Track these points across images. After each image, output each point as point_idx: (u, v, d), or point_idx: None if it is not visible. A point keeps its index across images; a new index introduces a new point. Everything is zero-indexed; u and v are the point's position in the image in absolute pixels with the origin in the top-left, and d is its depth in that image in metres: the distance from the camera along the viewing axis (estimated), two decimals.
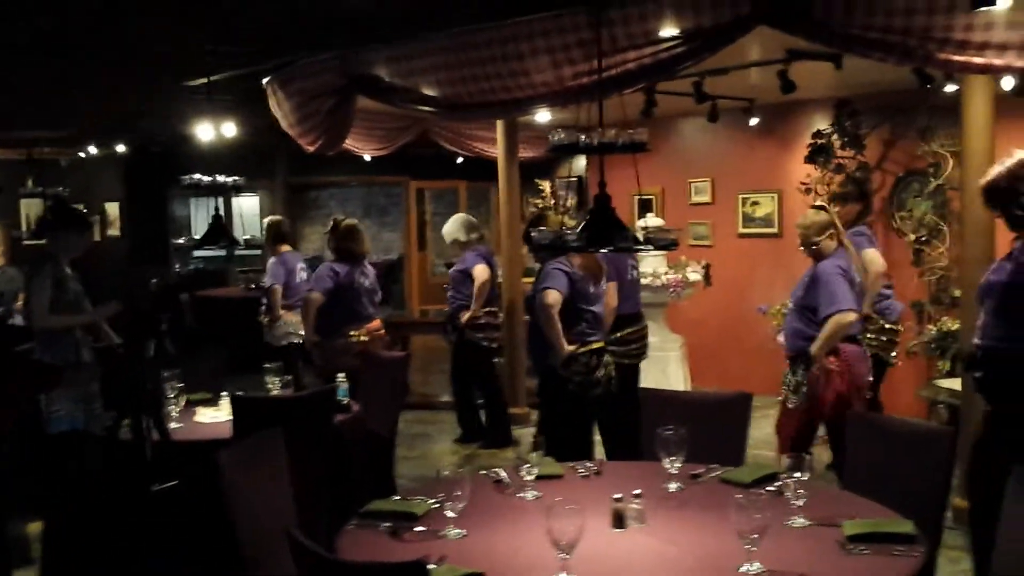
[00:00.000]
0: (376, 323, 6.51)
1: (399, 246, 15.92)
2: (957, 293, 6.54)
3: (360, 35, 6.16)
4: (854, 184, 6.24)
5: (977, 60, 4.17)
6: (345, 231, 6.46)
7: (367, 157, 9.20)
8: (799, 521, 2.87)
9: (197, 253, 14.54)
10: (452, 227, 7.45)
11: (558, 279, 5.04)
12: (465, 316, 7.15)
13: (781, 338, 5.28)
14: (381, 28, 6.09)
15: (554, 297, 5.00)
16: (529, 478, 3.29)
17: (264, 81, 6.88)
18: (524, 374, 7.88)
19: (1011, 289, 3.59)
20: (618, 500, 2.92)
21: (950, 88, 6.54)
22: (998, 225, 5.70)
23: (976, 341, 3.70)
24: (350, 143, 7.52)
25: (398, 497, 3.24)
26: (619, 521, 2.89)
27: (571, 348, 5.03)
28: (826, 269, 4.92)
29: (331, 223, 6.61)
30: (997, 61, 4.16)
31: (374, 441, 5.17)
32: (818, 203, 5.44)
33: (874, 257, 5.90)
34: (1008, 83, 6.48)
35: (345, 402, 4.90)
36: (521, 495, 3.24)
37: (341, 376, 5.04)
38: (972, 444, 3.78)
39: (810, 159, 8.00)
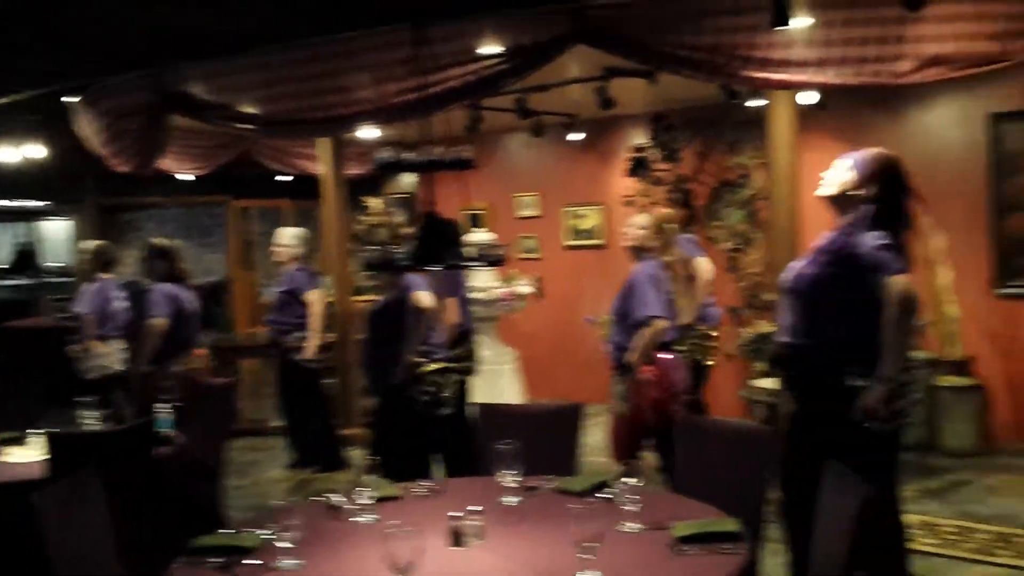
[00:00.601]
0: (202, 349, 6.29)
1: (222, 267, 15.44)
2: (769, 297, 6.89)
3: (176, 52, 5.94)
4: (680, 192, 6.51)
5: (778, 76, 4.42)
6: (173, 252, 6.24)
7: (187, 176, 8.88)
8: (632, 526, 2.93)
9: (1, 283, 13.66)
10: (288, 239, 7.14)
11: (423, 286, 5.02)
12: (308, 345, 6.91)
13: (606, 347, 5.42)
14: (199, 45, 5.90)
15: (430, 299, 4.94)
16: (365, 501, 3.24)
17: (71, 100, 6.54)
18: (357, 394, 7.77)
19: (819, 281, 3.69)
20: (456, 518, 2.91)
21: (755, 103, 6.91)
22: (804, 231, 6.06)
23: (783, 339, 3.86)
24: (166, 163, 7.24)
25: (229, 530, 3.12)
26: (457, 539, 2.88)
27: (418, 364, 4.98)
28: (639, 275, 5.07)
29: (148, 245, 6.35)
30: (796, 77, 4.43)
31: (202, 473, 4.98)
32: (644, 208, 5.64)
33: (704, 265, 6.12)
34: (807, 97, 6.89)
35: (169, 434, 4.69)
36: (358, 519, 3.19)
37: (163, 407, 4.83)
38: (783, 440, 3.96)
39: (631, 172, 8.26)
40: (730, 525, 2.88)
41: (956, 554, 4.96)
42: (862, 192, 3.68)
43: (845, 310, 3.67)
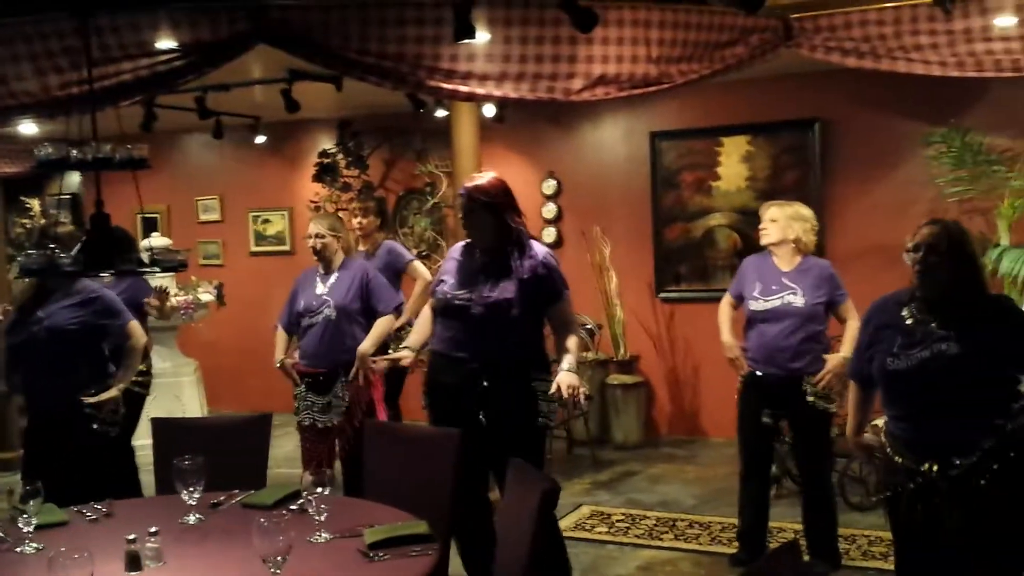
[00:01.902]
0: None
1: None
2: None
3: None
4: (373, 199, 6.52)
5: (462, 88, 4.55)
6: None
7: None
8: (323, 536, 2.90)
9: None
10: None
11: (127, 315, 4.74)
12: None
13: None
14: None
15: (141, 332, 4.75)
16: (28, 529, 2.96)
17: None
18: (16, 415, 7.08)
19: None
20: (131, 541, 2.73)
21: (441, 113, 7.07)
22: None
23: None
24: None
25: None
26: (134, 563, 2.71)
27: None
28: (367, 271, 5.04)
29: None
30: (479, 90, 4.57)
31: None
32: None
33: (421, 268, 6.11)
34: (490, 110, 7.15)
35: None
36: (20, 549, 2.91)
37: None
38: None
39: (317, 178, 8.18)
40: (420, 528, 2.92)
41: (625, 540, 5.33)
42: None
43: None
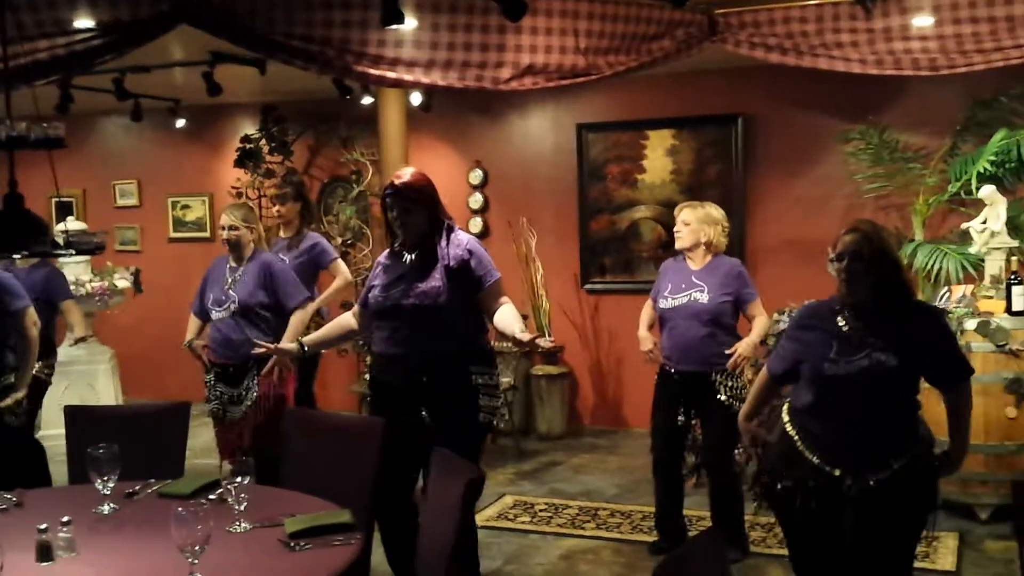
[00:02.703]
0: None
1: None
2: None
3: None
4: (291, 185, 6.31)
5: (390, 74, 4.51)
6: None
7: None
8: (242, 526, 2.85)
9: None
10: None
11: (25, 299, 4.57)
12: None
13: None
14: None
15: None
16: None
17: None
18: None
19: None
20: (43, 531, 2.65)
21: (367, 100, 7.00)
22: None
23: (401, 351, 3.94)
24: None
25: None
26: (45, 554, 2.62)
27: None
28: (274, 264, 4.94)
29: None
30: (407, 76, 4.54)
31: None
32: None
33: (343, 267, 5.97)
34: (417, 98, 7.10)
35: None
36: None
37: None
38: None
39: (239, 163, 8.03)
40: (342, 517, 2.89)
41: (548, 530, 5.36)
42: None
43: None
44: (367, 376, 4.42)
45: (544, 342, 3.81)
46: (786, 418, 3.22)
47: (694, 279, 4.63)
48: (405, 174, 3.94)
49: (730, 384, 4.60)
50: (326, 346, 4.54)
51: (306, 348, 4.20)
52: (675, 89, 7.15)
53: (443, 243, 3.87)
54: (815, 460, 3.09)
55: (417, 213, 3.86)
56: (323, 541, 2.73)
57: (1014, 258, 5.52)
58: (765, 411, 3.40)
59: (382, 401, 4.00)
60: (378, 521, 3.80)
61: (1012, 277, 5.27)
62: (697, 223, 4.66)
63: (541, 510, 5.70)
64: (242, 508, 2.88)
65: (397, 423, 3.65)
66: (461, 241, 3.91)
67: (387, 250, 4.06)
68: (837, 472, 3.05)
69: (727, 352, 4.57)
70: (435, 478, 3.10)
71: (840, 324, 3.11)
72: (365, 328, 4.16)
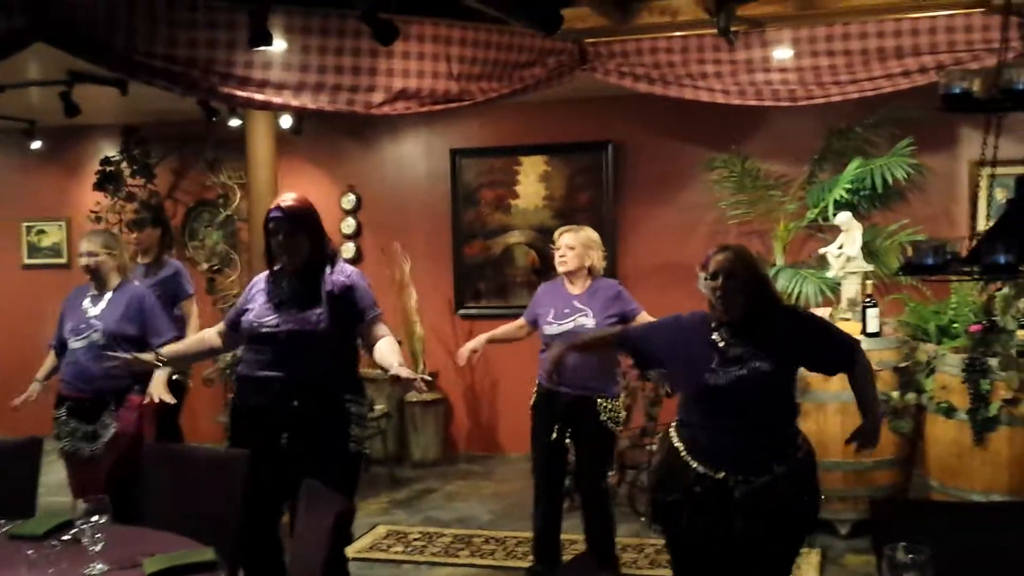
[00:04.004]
0: None
1: None
2: None
3: None
4: (149, 210, 6.08)
5: (257, 96, 4.41)
6: None
7: None
8: (98, 568, 2.70)
9: None
10: None
11: None
12: None
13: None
14: None
15: None
16: None
17: None
18: None
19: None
20: None
21: (235, 122, 6.84)
22: None
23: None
24: None
25: None
26: None
27: None
28: (146, 298, 4.70)
29: None
30: (276, 99, 4.45)
31: None
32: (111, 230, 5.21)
33: (195, 309, 5.71)
34: (287, 121, 6.99)
35: None
36: None
37: None
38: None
39: (99, 186, 7.74)
40: (206, 555, 2.78)
41: (422, 559, 5.29)
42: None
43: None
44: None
45: (421, 386, 3.75)
46: (673, 434, 3.31)
47: (576, 303, 4.64)
48: (289, 198, 3.87)
49: (609, 407, 4.63)
50: (186, 361, 4.43)
51: (164, 360, 4.04)
52: (547, 116, 7.24)
53: (327, 270, 3.82)
54: (700, 467, 3.17)
55: (301, 238, 3.79)
56: None
57: (869, 282, 5.77)
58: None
59: (244, 428, 3.86)
60: (244, 558, 3.68)
61: (867, 300, 5.51)
62: (581, 247, 4.69)
63: (415, 539, 5.62)
64: (98, 549, 2.73)
65: (261, 452, 3.54)
66: (345, 270, 3.89)
67: (265, 273, 3.95)
68: (721, 475, 3.13)
69: (612, 384, 4.65)
70: (304, 510, 3.01)
71: (715, 339, 3.21)
72: (228, 347, 4.08)
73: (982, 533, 2.63)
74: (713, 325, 3.24)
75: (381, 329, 3.90)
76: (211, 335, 4.08)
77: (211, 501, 3.28)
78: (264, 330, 3.80)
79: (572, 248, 4.68)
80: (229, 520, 3.22)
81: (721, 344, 3.19)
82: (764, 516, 3.11)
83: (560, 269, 4.73)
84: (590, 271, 4.72)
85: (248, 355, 3.90)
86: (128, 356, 4.06)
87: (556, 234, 4.83)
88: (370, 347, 3.88)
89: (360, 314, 3.85)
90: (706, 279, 3.20)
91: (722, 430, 3.17)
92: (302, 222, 3.80)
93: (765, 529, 3.13)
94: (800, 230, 6.57)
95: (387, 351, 3.81)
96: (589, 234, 4.76)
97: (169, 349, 4.11)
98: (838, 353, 3.30)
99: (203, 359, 4.94)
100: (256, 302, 3.88)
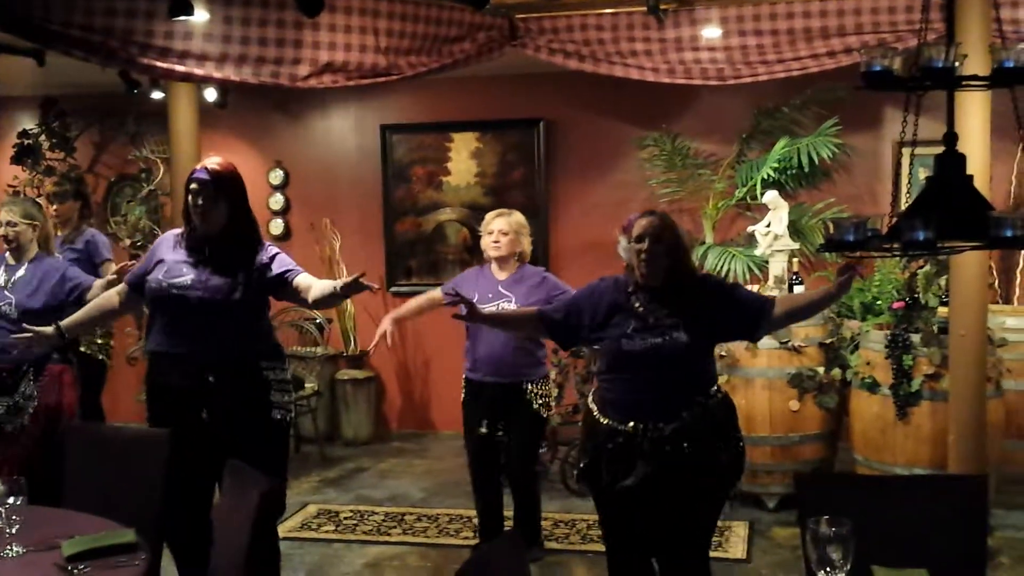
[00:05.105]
0: None
1: None
2: None
3: None
4: (70, 182, 5.92)
5: (179, 68, 4.30)
6: None
7: None
8: (15, 550, 2.63)
9: None
10: None
11: None
12: None
13: None
14: None
15: None
16: None
17: None
18: None
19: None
20: None
21: (157, 95, 6.67)
22: None
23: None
24: None
25: None
26: None
27: None
28: (66, 271, 4.55)
29: None
30: (197, 71, 4.34)
31: None
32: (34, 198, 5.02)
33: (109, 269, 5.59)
34: (211, 94, 6.84)
35: None
36: None
37: None
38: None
39: (17, 160, 7.50)
40: (126, 537, 2.72)
41: (353, 538, 5.26)
42: None
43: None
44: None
45: (371, 283, 3.63)
46: (590, 397, 3.38)
47: (501, 289, 4.59)
48: (214, 161, 3.75)
49: (540, 392, 4.63)
50: (86, 328, 4.30)
51: (65, 333, 3.92)
52: (479, 92, 7.19)
53: (245, 242, 3.74)
54: (610, 422, 3.23)
55: (221, 204, 3.69)
56: (105, 563, 2.56)
57: (795, 259, 5.86)
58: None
59: (162, 406, 3.77)
60: (169, 538, 3.61)
61: (794, 277, 5.60)
62: (514, 233, 4.65)
63: (346, 518, 5.58)
64: (14, 531, 2.65)
65: (182, 430, 3.46)
66: (269, 251, 3.80)
67: (173, 232, 3.84)
68: (630, 426, 3.18)
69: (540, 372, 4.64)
70: (229, 490, 2.96)
71: (635, 304, 3.24)
72: (125, 309, 3.99)
73: (904, 506, 2.68)
74: (630, 289, 3.28)
75: (307, 278, 3.78)
76: (108, 296, 3.94)
77: (133, 482, 3.21)
78: (174, 292, 3.67)
79: (506, 234, 4.64)
80: (151, 501, 3.15)
81: (640, 309, 3.23)
82: (677, 464, 3.15)
83: (493, 254, 4.67)
84: (519, 257, 4.69)
85: (157, 327, 3.77)
86: (29, 335, 3.94)
87: (487, 218, 4.76)
88: (307, 297, 3.74)
89: (280, 278, 3.74)
90: (630, 242, 3.23)
91: (633, 389, 3.22)
92: (225, 186, 3.69)
93: (681, 480, 3.17)
94: (729, 208, 6.64)
95: (323, 283, 3.72)
96: (520, 219, 4.73)
97: (68, 321, 3.95)
98: (752, 308, 3.30)
99: (104, 324, 4.88)
100: (167, 259, 3.75)
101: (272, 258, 3.77)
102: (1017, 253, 6.13)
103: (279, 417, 3.77)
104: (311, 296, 3.71)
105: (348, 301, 7.27)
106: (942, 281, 5.11)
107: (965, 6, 4.10)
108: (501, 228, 4.64)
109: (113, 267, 5.49)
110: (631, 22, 5.29)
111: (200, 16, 4.07)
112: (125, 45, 4.14)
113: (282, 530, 5.11)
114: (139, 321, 7.26)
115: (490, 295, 4.56)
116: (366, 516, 5.61)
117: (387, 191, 7.57)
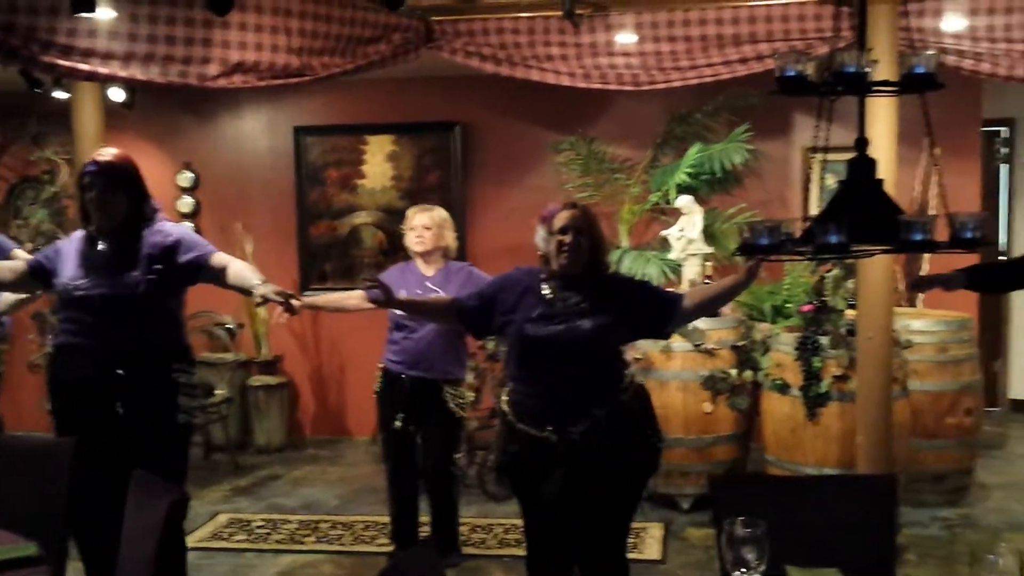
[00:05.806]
0: None
1: None
2: None
3: None
4: None
5: (83, 67, 4.16)
6: None
7: None
8: None
9: None
10: None
11: None
12: None
13: None
14: None
15: None
16: None
17: None
18: None
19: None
20: None
21: (60, 94, 6.45)
22: None
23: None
24: None
25: None
26: None
27: None
28: None
29: None
30: (102, 69, 4.20)
31: None
32: None
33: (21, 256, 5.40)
34: (117, 94, 6.63)
35: None
36: None
37: None
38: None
39: None
40: (27, 550, 2.63)
41: (266, 547, 5.15)
42: None
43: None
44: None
45: (297, 303, 3.58)
46: (503, 398, 3.35)
47: (429, 285, 4.54)
48: (107, 153, 3.65)
49: (455, 392, 4.59)
50: None
51: None
52: (395, 95, 7.13)
53: (146, 231, 3.63)
54: (524, 427, 3.22)
55: (117, 196, 3.59)
56: None
57: (709, 263, 5.94)
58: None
59: (69, 403, 3.65)
60: (78, 541, 3.50)
61: (707, 281, 5.67)
62: (437, 228, 4.61)
63: (258, 527, 5.47)
64: None
65: (90, 428, 3.35)
66: (165, 228, 3.71)
67: (80, 232, 3.72)
68: (545, 433, 3.17)
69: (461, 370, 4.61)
70: (133, 500, 2.86)
71: (544, 291, 3.26)
72: (14, 286, 3.94)
73: (817, 506, 2.72)
74: (543, 277, 3.30)
75: (223, 257, 3.71)
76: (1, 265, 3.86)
77: (34, 493, 3.08)
78: (77, 294, 3.59)
79: (428, 228, 4.60)
80: (54, 513, 3.03)
81: (549, 296, 3.25)
82: (591, 463, 3.15)
83: (417, 249, 4.62)
84: (444, 252, 4.66)
85: (63, 322, 3.68)
86: None
87: (409, 213, 4.72)
88: (224, 278, 3.67)
89: (193, 266, 3.66)
90: (551, 233, 3.24)
91: (541, 387, 3.22)
92: (119, 178, 3.60)
93: (597, 477, 3.17)
94: (644, 213, 6.70)
95: (241, 268, 3.65)
96: (442, 214, 4.70)
97: None
98: (661, 302, 3.33)
99: None
100: (68, 263, 3.66)
101: (176, 244, 3.66)
102: (921, 257, 6.30)
103: (183, 422, 3.69)
104: (228, 279, 3.65)
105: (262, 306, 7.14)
106: (849, 284, 5.23)
107: (874, 15, 4.21)
108: (424, 223, 4.60)
109: (23, 253, 5.32)
110: (547, 26, 5.30)
111: (105, 13, 3.94)
112: (27, 42, 3.98)
113: (192, 540, 4.98)
114: (40, 327, 7.01)
115: (418, 291, 4.50)
116: (279, 525, 5.50)
117: (301, 194, 7.46)
